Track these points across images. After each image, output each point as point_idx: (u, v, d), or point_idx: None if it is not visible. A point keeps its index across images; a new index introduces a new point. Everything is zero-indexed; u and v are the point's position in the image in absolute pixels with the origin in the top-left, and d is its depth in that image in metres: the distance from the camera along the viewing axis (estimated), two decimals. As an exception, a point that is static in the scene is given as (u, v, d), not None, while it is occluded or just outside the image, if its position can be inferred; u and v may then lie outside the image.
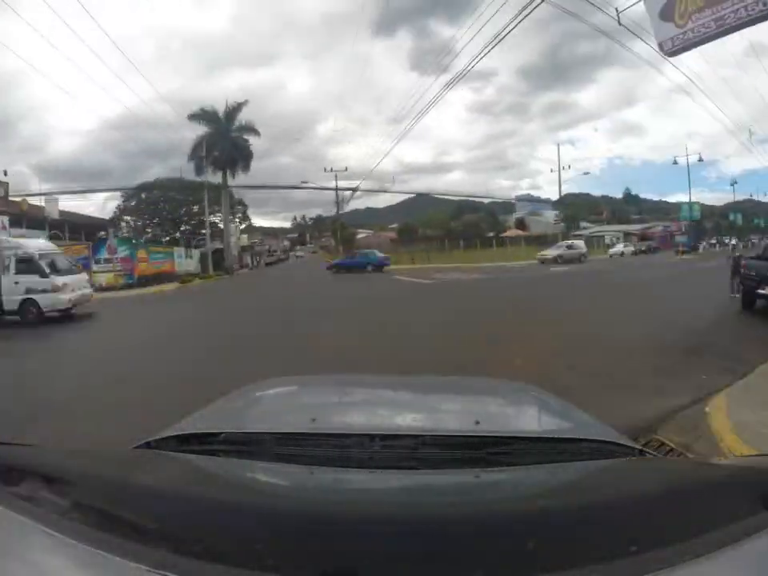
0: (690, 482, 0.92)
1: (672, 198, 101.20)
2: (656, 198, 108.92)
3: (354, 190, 44.07)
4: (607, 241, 51.58)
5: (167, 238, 42.38)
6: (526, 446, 1.07)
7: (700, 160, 45.04)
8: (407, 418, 1.38)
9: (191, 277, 28.41)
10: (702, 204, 56.22)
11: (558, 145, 53.70)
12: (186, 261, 32.28)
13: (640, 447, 1.18)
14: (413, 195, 69.10)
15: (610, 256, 41.15)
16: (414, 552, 0.63)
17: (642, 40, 14.66)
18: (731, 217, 61.29)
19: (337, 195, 43.77)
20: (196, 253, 34.87)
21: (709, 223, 51.50)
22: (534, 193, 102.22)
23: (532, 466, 1.01)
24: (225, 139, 34.67)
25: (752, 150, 47.82)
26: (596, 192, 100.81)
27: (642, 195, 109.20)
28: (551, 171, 45.60)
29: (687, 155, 44.13)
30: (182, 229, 45.41)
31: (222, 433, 1.14)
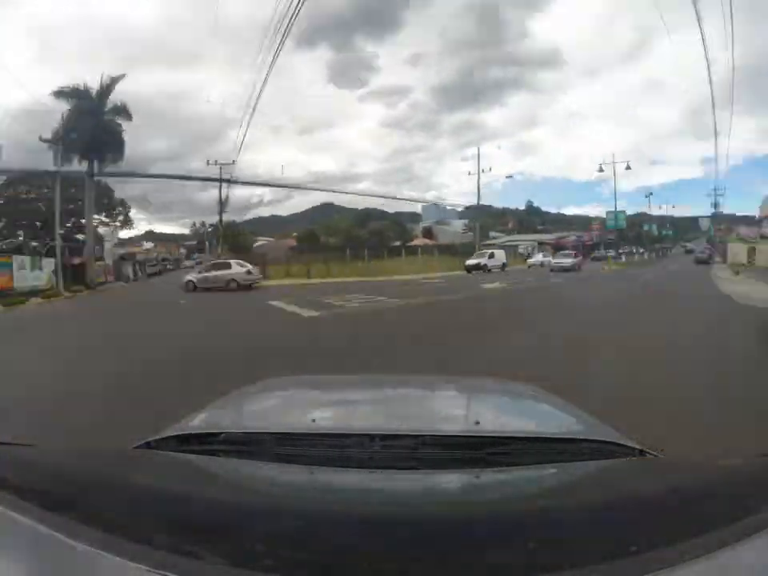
0: (690, 482, 0.92)
1: (567, 211, 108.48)
2: (554, 211, 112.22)
3: (230, 181, 34.71)
4: (521, 250, 50.45)
5: (35, 245, 33.52)
6: (526, 446, 1.07)
7: (628, 168, 47.81)
8: (407, 418, 1.38)
9: (23, 297, 20.60)
10: (603, 217, 58.33)
11: (479, 148, 54.19)
12: (32, 273, 24.26)
13: (640, 447, 1.16)
14: (319, 204, 66.38)
15: (529, 267, 38.41)
16: (415, 552, 0.62)
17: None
18: (646, 227, 65.08)
19: (220, 191, 34.80)
20: (48, 262, 26.15)
21: (612, 235, 53.71)
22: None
23: (532, 466, 1.00)
24: (93, 122, 27.97)
25: (632, 174, 53.46)
26: (498, 205, 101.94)
27: (543, 208, 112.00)
28: (469, 174, 44.78)
29: (614, 163, 45.81)
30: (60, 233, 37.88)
31: (221, 433, 1.13)
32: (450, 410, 1.57)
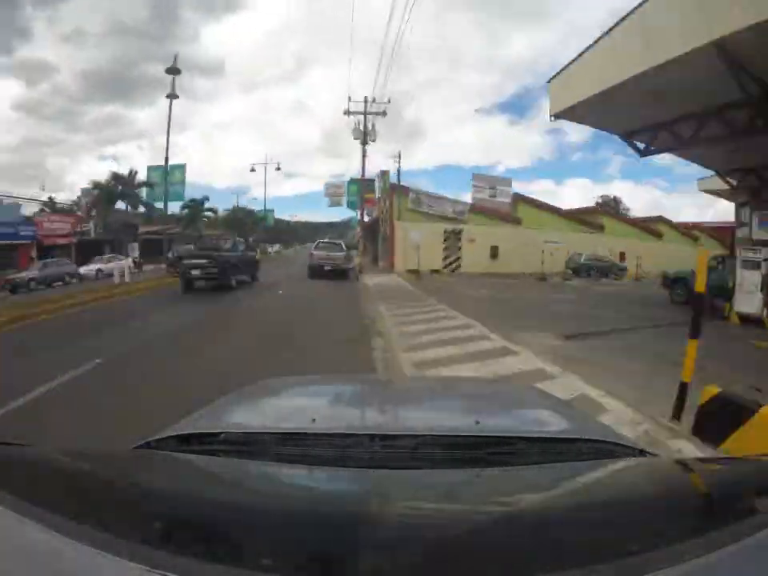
0: (690, 482, 0.92)
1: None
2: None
3: None
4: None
5: None
6: (526, 446, 1.06)
7: (278, 169, 47.32)
8: (407, 418, 1.40)
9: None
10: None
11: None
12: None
13: (640, 447, 1.16)
14: None
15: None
16: (415, 552, 0.62)
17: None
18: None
19: None
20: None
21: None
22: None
23: (532, 466, 1.00)
24: None
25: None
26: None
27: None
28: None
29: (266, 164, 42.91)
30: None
31: (222, 433, 1.13)
32: (450, 409, 1.54)
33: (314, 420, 1.20)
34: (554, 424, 1.39)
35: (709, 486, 0.87)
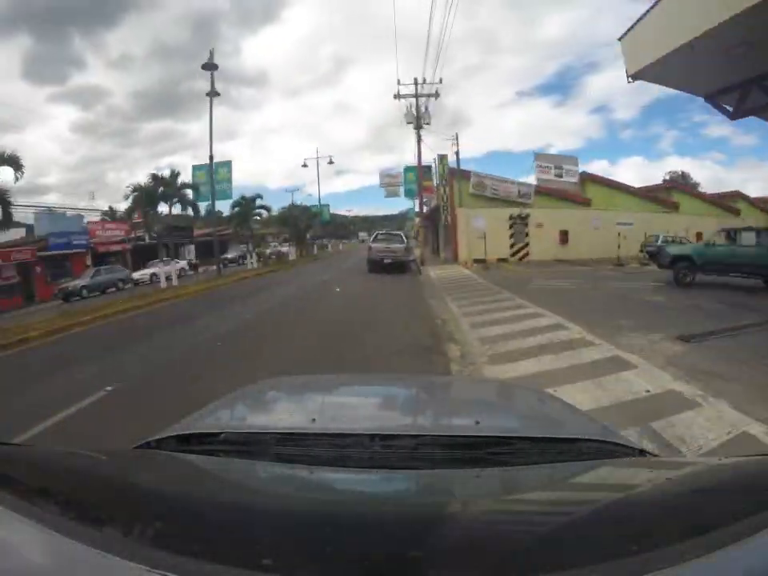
0: (690, 482, 0.91)
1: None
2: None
3: None
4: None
5: None
6: (526, 446, 1.06)
7: (331, 162, 46.18)
8: (407, 418, 1.40)
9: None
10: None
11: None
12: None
13: (640, 447, 1.17)
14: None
15: None
16: (414, 551, 0.62)
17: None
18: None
19: None
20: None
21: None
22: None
23: (532, 466, 1.00)
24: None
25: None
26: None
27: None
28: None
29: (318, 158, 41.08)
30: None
31: (222, 433, 1.13)
32: (450, 409, 1.55)
33: (314, 420, 1.20)
34: (553, 424, 1.40)
35: (709, 485, 0.86)
